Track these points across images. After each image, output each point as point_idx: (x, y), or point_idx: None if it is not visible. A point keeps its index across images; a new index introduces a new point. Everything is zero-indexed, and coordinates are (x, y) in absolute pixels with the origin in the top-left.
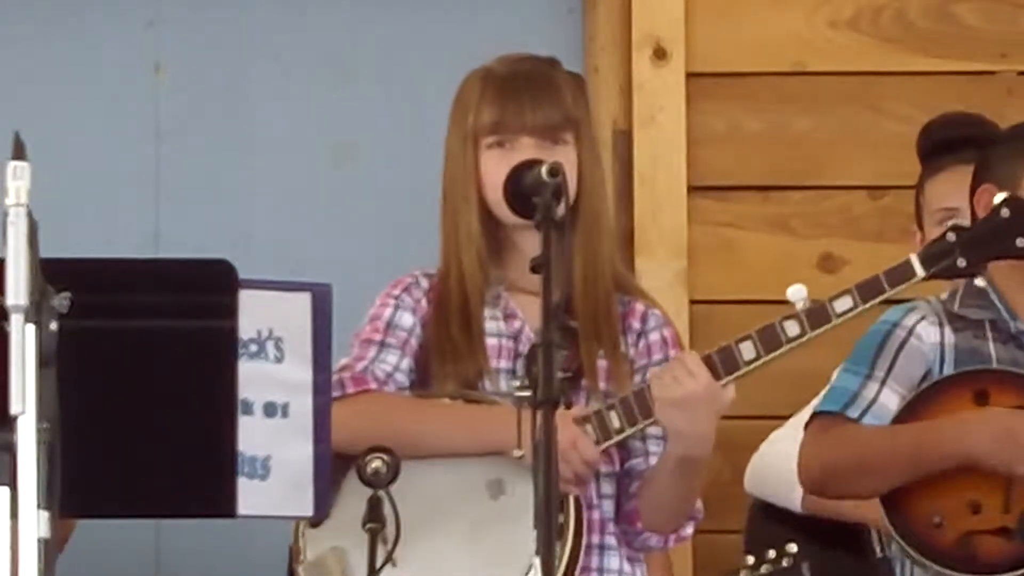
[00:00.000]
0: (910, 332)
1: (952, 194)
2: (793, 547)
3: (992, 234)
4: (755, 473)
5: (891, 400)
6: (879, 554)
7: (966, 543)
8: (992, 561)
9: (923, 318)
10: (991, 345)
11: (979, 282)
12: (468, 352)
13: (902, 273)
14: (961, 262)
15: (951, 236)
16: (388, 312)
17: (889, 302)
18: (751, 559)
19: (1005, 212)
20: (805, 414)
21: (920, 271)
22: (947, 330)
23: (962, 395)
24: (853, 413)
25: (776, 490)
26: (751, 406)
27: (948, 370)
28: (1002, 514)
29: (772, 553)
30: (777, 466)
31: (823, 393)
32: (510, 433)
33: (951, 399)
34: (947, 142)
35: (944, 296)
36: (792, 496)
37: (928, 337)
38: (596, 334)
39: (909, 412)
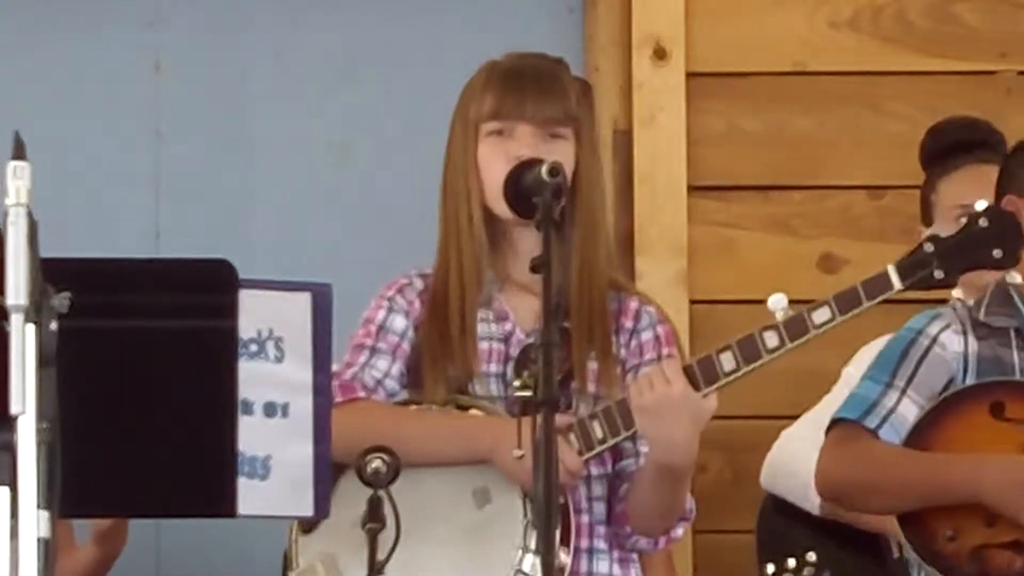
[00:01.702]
0: (933, 340)
1: (969, 192)
2: (813, 556)
3: (969, 244)
4: (772, 471)
5: (910, 410)
6: (896, 554)
7: (979, 556)
8: (1004, 575)
9: (947, 326)
10: (1015, 354)
11: (1014, 277)
12: (460, 355)
13: (879, 284)
14: (938, 273)
15: (928, 247)
16: (381, 315)
17: (903, 301)
18: (771, 568)
19: (983, 222)
20: (819, 414)
21: (897, 283)
22: (971, 338)
23: (978, 407)
24: (871, 423)
25: (794, 492)
26: (751, 406)
27: (971, 379)
28: (1016, 528)
29: (792, 562)
30: (795, 468)
31: (835, 389)
32: (495, 442)
33: (967, 411)
34: (961, 143)
35: (971, 302)
36: (811, 500)
37: (952, 346)
38: (589, 335)
39: (927, 423)
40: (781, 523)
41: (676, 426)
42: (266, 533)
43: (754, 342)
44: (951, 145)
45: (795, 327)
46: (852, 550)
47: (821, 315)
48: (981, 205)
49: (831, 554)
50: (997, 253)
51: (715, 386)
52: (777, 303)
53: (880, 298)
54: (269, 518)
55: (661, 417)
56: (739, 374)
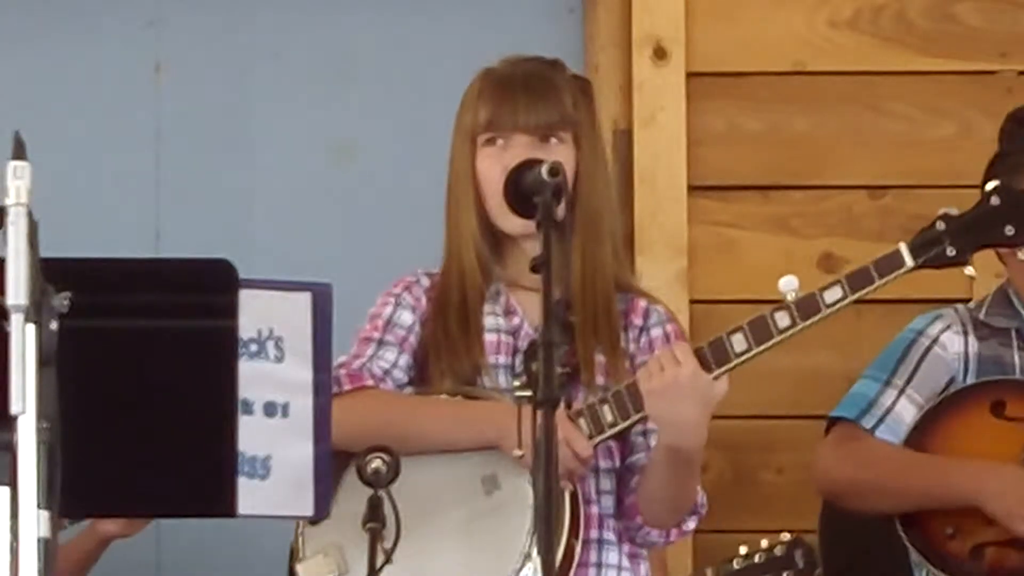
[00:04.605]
0: (934, 341)
1: None
2: (786, 535)
3: (981, 222)
4: None
5: (907, 410)
6: None
7: (978, 554)
8: (1004, 572)
9: (948, 327)
10: (1016, 354)
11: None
12: (465, 348)
13: (892, 262)
14: (950, 251)
15: (940, 225)
16: (388, 310)
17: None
18: (744, 548)
19: (995, 200)
20: None
21: (909, 261)
22: (971, 339)
23: (980, 405)
24: (868, 422)
25: None
26: (751, 406)
27: (972, 379)
28: None
29: (765, 542)
30: None
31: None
32: (503, 428)
33: (968, 410)
34: None
35: (972, 304)
36: None
37: (952, 346)
38: (595, 330)
39: (928, 421)
40: (845, 521)
41: (686, 408)
42: (266, 533)
43: (765, 323)
44: None
45: (807, 306)
46: None
47: (833, 294)
48: (992, 183)
49: (898, 549)
50: (1009, 230)
51: (726, 367)
52: (788, 284)
53: (892, 276)
54: (269, 518)
55: (671, 399)
56: (750, 355)
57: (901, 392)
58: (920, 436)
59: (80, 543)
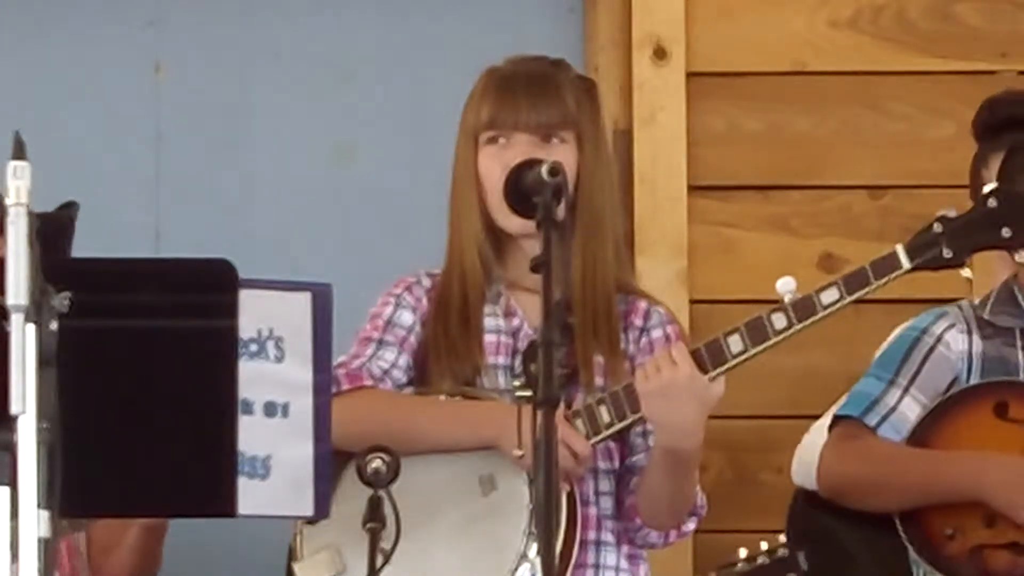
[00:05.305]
0: (938, 340)
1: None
2: (782, 538)
3: (978, 224)
4: (802, 466)
5: (911, 409)
6: None
7: (976, 556)
8: (1002, 575)
9: (952, 325)
10: (1020, 354)
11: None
12: (465, 349)
13: (888, 264)
14: (947, 253)
15: (937, 227)
16: (388, 310)
17: (920, 301)
18: (744, 551)
19: (992, 202)
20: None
21: (906, 262)
22: (975, 337)
23: (982, 406)
24: (871, 420)
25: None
26: (751, 406)
27: (975, 378)
28: (1015, 529)
29: (765, 545)
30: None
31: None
32: (503, 428)
33: (971, 410)
34: (1017, 118)
35: (976, 301)
36: None
37: (956, 345)
38: (594, 331)
39: (931, 421)
40: (813, 514)
41: (683, 409)
42: (266, 533)
43: (762, 324)
44: (1007, 119)
45: (803, 308)
46: (886, 537)
47: (829, 296)
48: (990, 186)
49: (864, 544)
50: (1006, 232)
51: (723, 368)
52: (785, 286)
53: (888, 278)
54: (269, 518)
55: (667, 400)
56: (747, 356)
57: (905, 391)
58: (922, 436)
59: (132, 533)
